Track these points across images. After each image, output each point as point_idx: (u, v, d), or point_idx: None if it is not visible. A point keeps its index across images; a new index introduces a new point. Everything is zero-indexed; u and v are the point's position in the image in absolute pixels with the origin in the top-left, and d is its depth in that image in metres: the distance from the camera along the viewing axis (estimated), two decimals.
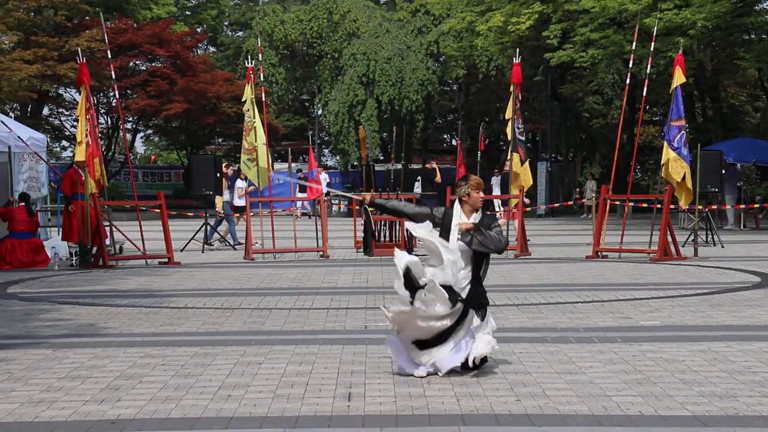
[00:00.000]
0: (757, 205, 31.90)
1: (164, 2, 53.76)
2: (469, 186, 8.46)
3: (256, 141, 20.87)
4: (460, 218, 8.42)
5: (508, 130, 21.03)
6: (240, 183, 24.56)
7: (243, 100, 21.79)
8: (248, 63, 21.90)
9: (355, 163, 51.82)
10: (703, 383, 7.68)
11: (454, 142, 61.90)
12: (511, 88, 21.15)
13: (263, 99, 22.76)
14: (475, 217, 8.44)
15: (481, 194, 8.52)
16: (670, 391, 7.41)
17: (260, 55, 26.29)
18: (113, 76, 22.54)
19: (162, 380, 7.99)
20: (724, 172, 25.24)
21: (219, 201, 24.74)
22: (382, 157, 57.34)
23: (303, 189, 26.46)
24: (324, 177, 32.36)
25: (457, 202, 8.55)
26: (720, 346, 9.28)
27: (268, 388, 7.68)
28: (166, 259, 19.49)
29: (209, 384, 7.84)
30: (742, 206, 31.22)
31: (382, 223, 21.86)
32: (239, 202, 24.32)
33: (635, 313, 11.54)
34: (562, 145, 51.37)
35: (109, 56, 22.80)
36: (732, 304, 12.39)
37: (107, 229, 19.46)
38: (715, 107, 42.82)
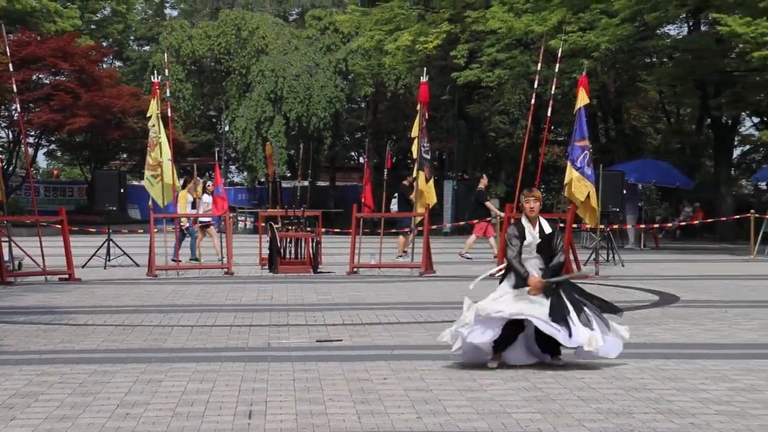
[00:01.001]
0: (657, 225, 32.50)
1: (69, 15, 53.02)
2: (525, 197, 9.57)
3: (161, 156, 20.69)
4: (529, 232, 9.44)
5: (414, 148, 21.15)
6: (206, 198, 24.52)
7: (148, 115, 21.58)
8: (154, 78, 21.71)
9: (262, 180, 51.69)
10: (601, 400, 7.78)
11: (361, 160, 62.10)
12: (418, 107, 21.28)
13: (169, 114, 22.56)
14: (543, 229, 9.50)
15: (534, 204, 9.51)
16: (568, 408, 7.49)
17: (167, 70, 26.08)
18: (15, 90, 22.12)
19: (59, 398, 7.84)
20: (625, 192, 25.69)
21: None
22: (289, 174, 57.25)
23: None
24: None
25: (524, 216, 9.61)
26: (618, 363, 9.41)
27: (167, 406, 7.59)
28: (67, 276, 19.17)
29: (107, 402, 7.71)
30: (643, 226, 31.78)
31: (288, 240, 21.79)
32: (204, 217, 24.50)
33: None
34: (469, 164, 51.83)
35: (11, 69, 22.37)
36: (630, 322, 12.54)
37: (5, 244, 19.06)
38: (617, 128, 43.65)
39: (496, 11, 33.94)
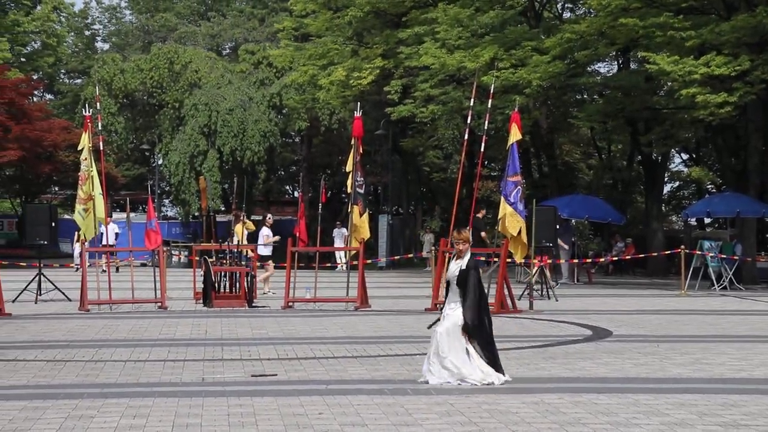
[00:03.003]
0: (589, 260, 32.80)
1: None
2: (455, 239, 10.65)
3: (93, 190, 20.50)
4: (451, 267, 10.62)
5: (349, 182, 21.19)
6: (265, 231, 24.55)
7: (79, 148, 21.37)
8: (86, 111, 21.52)
9: (196, 214, 51.35)
10: None
11: (296, 194, 61.96)
12: (353, 141, 21.33)
13: (101, 148, 22.37)
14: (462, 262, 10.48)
15: (463, 246, 10.53)
16: None
17: (98, 103, 25.83)
18: None
19: None
20: (558, 227, 25.92)
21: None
22: (223, 208, 56.94)
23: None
24: None
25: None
26: (552, 398, 9.46)
27: None
28: None
29: None
30: (576, 261, 32.06)
31: (222, 274, 21.67)
32: (264, 251, 25.03)
33: None
34: (403, 198, 52.00)
35: None
36: (564, 356, 12.67)
37: None
38: (550, 164, 44.05)
39: (429, 47, 34.17)
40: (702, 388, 10.17)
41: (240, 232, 24.51)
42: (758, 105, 31.57)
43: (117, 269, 32.51)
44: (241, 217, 25.15)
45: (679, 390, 10.03)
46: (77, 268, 35.94)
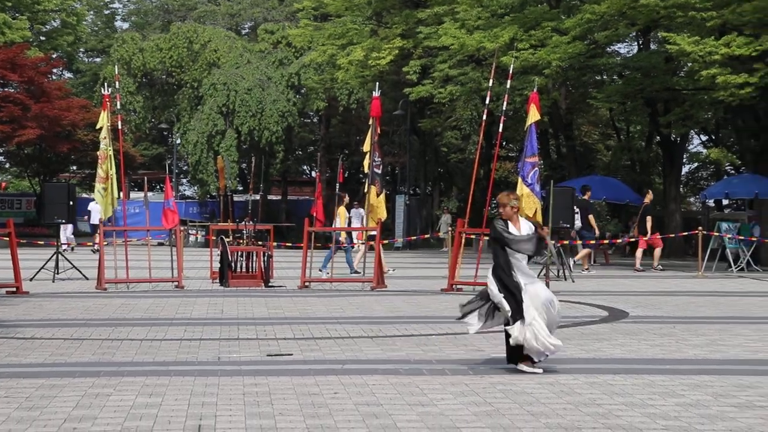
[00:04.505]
0: (606, 241, 32.71)
1: (18, 26, 52.49)
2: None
3: (111, 169, 20.56)
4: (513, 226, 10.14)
5: (366, 162, 21.19)
6: (362, 212, 25.22)
7: (98, 127, 21.43)
8: (105, 90, 21.56)
9: (214, 194, 51.49)
10: (550, 415, 7.82)
11: (313, 174, 62.06)
12: (371, 122, 21.32)
13: (119, 127, 22.43)
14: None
15: (508, 209, 10.18)
16: (518, 423, 7.52)
17: (117, 82, 25.86)
18: None
19: (4, 413, 7.74)
20: (575, 208, 25.85)
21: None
22: (241, 188, 57.06)
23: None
24: None
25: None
26: (567, 378, 9.46)
27: (115, 420, 7.52)
28: (14, 289, 18.96)
29: (54, 416, 7.63)
30: (593, 242, 31.95)
31: (239, 254, 21.72)
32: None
33: (487, 345, 11.69)
34: (421, 179, 51.97)
35: None
36: (580, 337, 12.66)
37: None
38: (568, 145, 43.92)
39: (449, 27, 34.06)
40: (718, 370, 10.16)
41: (343, 214, 24.92)
42: None
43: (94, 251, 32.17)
44: (345, 199, 25.45)
45: (695, 371, 10.02)
46: (66, 248, 36.03)
